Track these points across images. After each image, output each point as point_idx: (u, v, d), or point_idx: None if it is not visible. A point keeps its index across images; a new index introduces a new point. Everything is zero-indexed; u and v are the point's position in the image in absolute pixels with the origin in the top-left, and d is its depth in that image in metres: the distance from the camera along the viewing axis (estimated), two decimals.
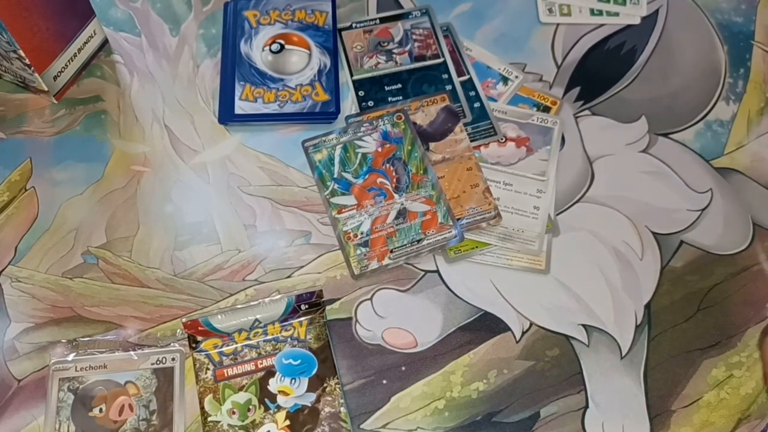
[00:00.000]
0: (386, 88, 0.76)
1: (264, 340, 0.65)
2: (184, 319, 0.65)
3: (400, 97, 0.76)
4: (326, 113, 0.74)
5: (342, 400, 0.64)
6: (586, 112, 0.77)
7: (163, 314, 0.67)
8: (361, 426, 0.64)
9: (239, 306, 0.67)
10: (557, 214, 0.72)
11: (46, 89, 0.72)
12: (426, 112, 0.74)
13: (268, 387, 0.64)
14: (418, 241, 0.68)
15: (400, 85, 0.76)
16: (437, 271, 0.70)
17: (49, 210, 0.71)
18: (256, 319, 0.65)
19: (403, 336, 0.67)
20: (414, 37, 0.78)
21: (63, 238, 0.69)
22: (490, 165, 0.73)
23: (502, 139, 0.74)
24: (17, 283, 0.68)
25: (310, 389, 0.64)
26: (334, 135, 0.73)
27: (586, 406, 0.65)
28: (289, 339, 0.65)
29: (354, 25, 0.79)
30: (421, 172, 0.71)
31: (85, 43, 0.74)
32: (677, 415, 0.65)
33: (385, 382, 0.65)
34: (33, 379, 0.65)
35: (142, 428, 0.63)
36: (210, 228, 0.71)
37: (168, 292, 0.68)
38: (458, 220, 0.69)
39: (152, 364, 0.65)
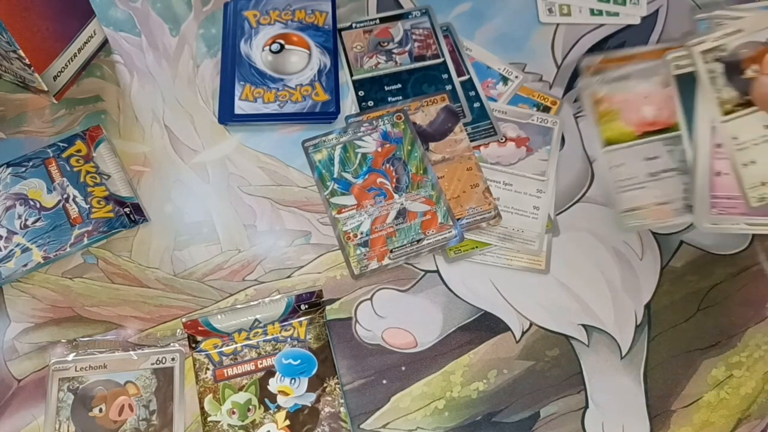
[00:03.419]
0: (386, 88, 0.76)
1: (264, 340, 0.65)
2: (184, 319, 0.65)
3: (400, 97, 0.76)
4: (326, 113, 0.74)
5: (342, 400, 0.64)
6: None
7: (163, 314, 0.67)
8: (361, 426, 0.64)
9: (239, 306, 0.67)
10: (557, 214, 0.72)
11: (46, 89, 0.72)
12: (426, 112, 0.74)
13: (268, 387, 0.64)
14: (418, 241, 0.68)
15: (400, 85, 0.76)
16: (437, 271, 0.70)
17: None
18: (256, 319, 0.65)
19: (403, 336, 0.67)
20: (414, 37, 0.78)
21: None
22: (490, 165, 0.73)
23: (502, 139, 0.74)
24: (17, 283, 0.68)
25: (310, 389, 0.64)
26: (334, 135, 0.73)
27: (586, 406, 0.65)
28: (289, 339, 0.65)
29: (354, 25, 0.79)
30: (421, 172, 0.71)
31: (85, 43, 0.74)
32: (677, 415, 0.65)
33: (385, 382, 0.65)
34: (33, 379, 0.65)
35: (142, 428, 0.63)
36: (210, 228, 0.71)
37: (168, 292, 0.68)
38: (458, 220, 0.69)
39: (152, 364, 0.65)
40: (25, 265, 0.67)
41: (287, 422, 0.63)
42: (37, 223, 0.68)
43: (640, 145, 0.66)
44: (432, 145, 0.73)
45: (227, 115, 0.74)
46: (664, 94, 0.64)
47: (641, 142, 0.67)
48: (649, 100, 0.65)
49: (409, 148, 0.72)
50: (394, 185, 0.70)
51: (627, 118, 0.66)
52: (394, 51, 0.78)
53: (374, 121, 0.73)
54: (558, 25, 0.81)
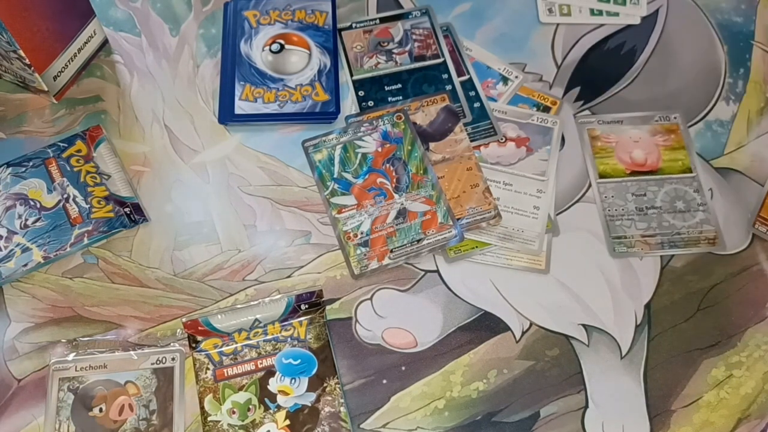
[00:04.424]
0: (386, 88, 0.76)
1: (264, 340, 0.65)
2: (184, 319, 0.65)
3: (400, 97, 0.76)
4: (326, 113, 0.74)
5: (342, 400, 0.64)
6: (586, 112, 0.77)
7: (163, 314, 0.67)
8: (361, 426, 0.64)
9: (239, 306, 0.67)
10: (557, 214, 0.72)
11: (46, 89, 0.72)
12: (426, 112, 0.74)
13: (268, 387, 0.64)
14: (418, 240, 0.68)
15: (400, 85, 0.76)
16: (437, 271, 0.70)
17: None
18: (256, 319, 0.65)
19: (403, 336, 0.67)
20: (414, 37, 0.78)
21: None
22: (490, 165, 0.73)
23: (502, 139, 0.74)
24: (17, 283, 0.68)
25: (310, 389, 0.64)
26: (334, 135, 0.73)
27: (586, 406, 0.65)
28: (289, 339, 0.65)
29: (354, 25, 0.79)
30: (421, 172, 0.71)
31: (85, 43, 0.74)
32: (677, 415, 0.65)
33: (385, 381, 0.65)
34: (33, 379, 0.65)
35: (142, 428, 0.63)
36: (210, 228, 0.71)
37: (168, 291, 0.68)
38: (458, 220, 0.69)
39: (152, 364, 0.65)
40: (25, 265, 0.67)
41: (287, 422, 0.63)
42: (37, 223, 0.68)
43: (629, 182, 0.73)
44: (432, 145, 0.73)
45: (227, 115, 0.74)
46: (652, 141, 0.73)
47: (630, 179, 0.73)
48: (639, 144, 0.73)
49: (409, 148, 0.72)
50: (394, 185, 0.70)
51: (619, 157, 0.73)
52: (394, 51, 0.78)
53: (374, 121, 0.73)
54: (558, 25, 0.81)
